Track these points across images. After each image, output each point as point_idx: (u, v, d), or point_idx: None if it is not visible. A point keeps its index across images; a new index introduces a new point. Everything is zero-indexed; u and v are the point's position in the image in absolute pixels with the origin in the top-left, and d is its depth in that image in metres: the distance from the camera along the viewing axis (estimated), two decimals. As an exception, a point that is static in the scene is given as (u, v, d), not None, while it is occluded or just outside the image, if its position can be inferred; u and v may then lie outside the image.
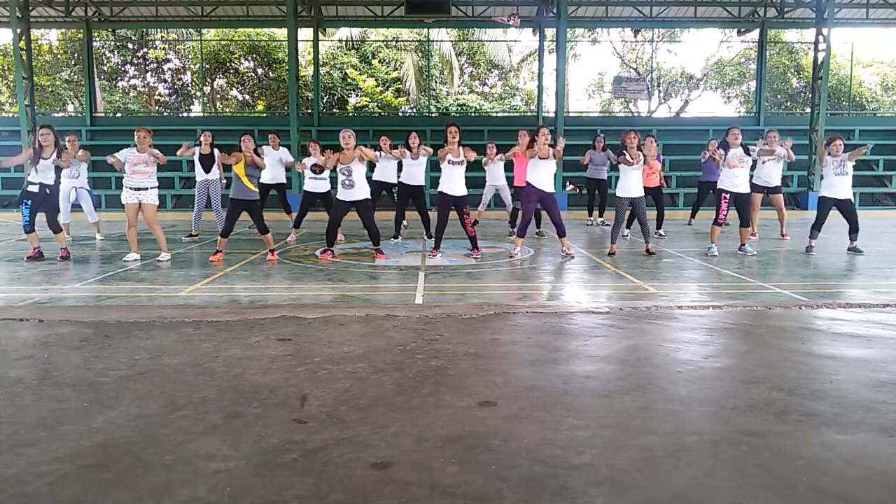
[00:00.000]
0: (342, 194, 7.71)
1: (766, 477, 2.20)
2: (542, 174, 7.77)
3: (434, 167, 8.73)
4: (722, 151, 7.97)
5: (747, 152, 7.95)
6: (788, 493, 2.10)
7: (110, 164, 7.61)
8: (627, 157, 7.96)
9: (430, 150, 8.97)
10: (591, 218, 12.03)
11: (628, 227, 9.92)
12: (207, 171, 9.59)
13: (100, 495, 2.09)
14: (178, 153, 9.43)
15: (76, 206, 9.87)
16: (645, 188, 9.70)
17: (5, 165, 7.85)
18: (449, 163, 7.70)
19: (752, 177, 9.66)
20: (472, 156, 7.77)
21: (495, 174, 10.62)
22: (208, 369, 3.33)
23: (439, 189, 7.82)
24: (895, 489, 2.15)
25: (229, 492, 2.10)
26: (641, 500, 2.06)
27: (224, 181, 9.81)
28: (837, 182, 8.07)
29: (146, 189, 7.55)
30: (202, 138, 9.55)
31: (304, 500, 2.05)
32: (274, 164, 10.16)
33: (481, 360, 3.49)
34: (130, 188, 7.53)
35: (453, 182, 7.74)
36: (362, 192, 7.73)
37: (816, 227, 8.25)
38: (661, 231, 10.10)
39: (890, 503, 2.09)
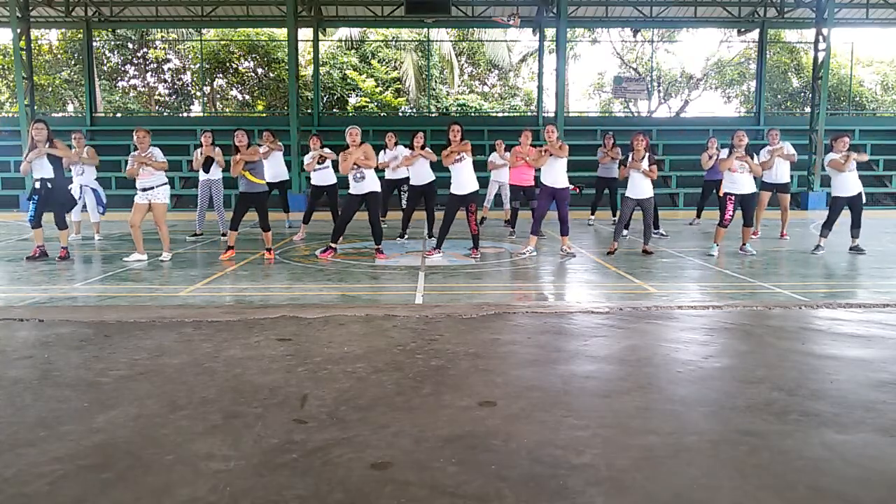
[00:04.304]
0: (353, 188, 7.74)
1: (766, 477, 2.20)
2: (553, 172, 7.79)
3: (438, 166, 8.71)
4: (726, 152, 7.98)
5: (749, 154, 7.93)
6: (788, 493, 2.10)
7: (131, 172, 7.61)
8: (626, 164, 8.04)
9: (432, 154, 8.98)
10: (593, 217, 11.94)
11: (626, 227, 9.92)
12: (207, 170, 9.60)
13: (100, 495, 2.09)
14: (195, 166, 9.62)
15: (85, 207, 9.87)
16: None
17: (26, 167, 7.68)
18: (453, 164, 7.72)
19: (762, 175, 9.67)
20: (466, 149, 7.69)
21: (500, 171, 10.66)
22: (208, 369, 3.33)
23: (450, 190, 7.82)
24: (895, 489, 2.15)
25: (229, 492, 2.10)
26: (641, 500, 2.06)
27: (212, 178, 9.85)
28: (848, 178, 8.01)
29: (152, 188, 7.53)
30: (202, 139, 9.56)
31: (304, 500, 2.05)
32: (275, 162, 10.17)
33: (481, 360, 3.49)
34: (139, 189, 7.56)
35: (462, 181, 7.73)
36: (372, 184, 7.73)
37: (828, 226, 8.18)
38: (661, 230, 10.08)
39: (890, 503, 2.09)
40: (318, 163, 9.19)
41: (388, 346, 3.75)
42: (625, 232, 9.87)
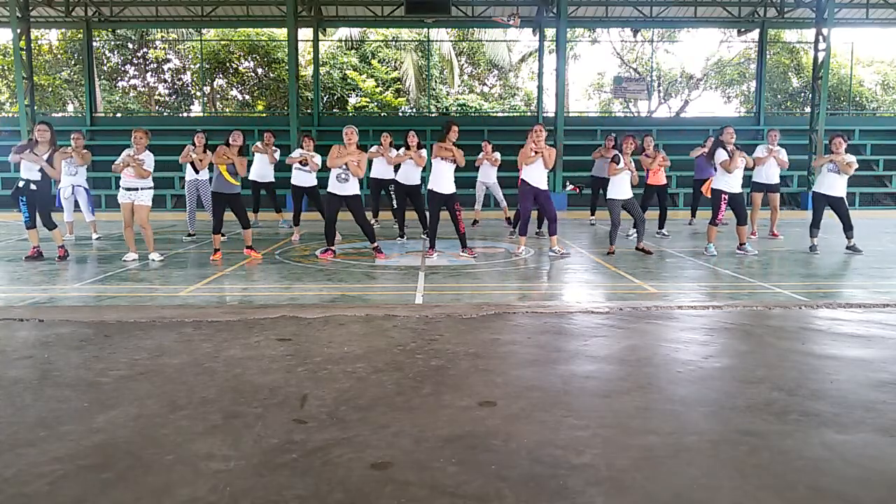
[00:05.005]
0: (336, 188, 7.69)
1: (766, 477, 2.20)
2: (536, 171, 7.81)
3: (428, 168, 8.75)
4: (723, 151, 7.95)
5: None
6: (788, 493, 2.10)
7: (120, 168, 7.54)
8: (618, 163, 8.04)
9: (423, 159, 9.00)
10: (594, 217, 12.00)
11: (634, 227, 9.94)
12: (198, 171, 9.58)
13: (100, 495, 2.09)
14: (181, 160, 9.53)
15: (77, 207, 9.88)
16: (652, 186, 9.74)
17: (15, 160, 7.63)
18: (441, 159, 7.72)
19: (751, 176, 9.70)
20: (460, 161, 7.76)
21: (487, 172, 10.67)
22: (208, 369, 3.33)
23: (429, 187, 7.86)
24: (895, 489, 2.15)
25: (229, 492, 2.10)
26: (641, 500, 2.06)
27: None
28: (830, 179, 8.09)
29: (137, 189, 7.54)
30: (196, 140, 9.54)
31: (304, 500, 2.05)
32: (261, 162, 10.18)
33: (481, 360, 3.49)
34: (124, 188, 7.57)
35: (442, 180, 7.76)
36: (353, 187, 7.74)
37: (815, 224, 8.27)
38: (664, 230, 10.09)
39: (890, 503, 2.09)
40: (301, 163, 9.23)
41: (388, 346, 3.75)
42: (631, 231, 9.89)
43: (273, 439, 2.48)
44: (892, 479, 2.21)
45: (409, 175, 9.23)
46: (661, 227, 10.11)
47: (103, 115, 20.78)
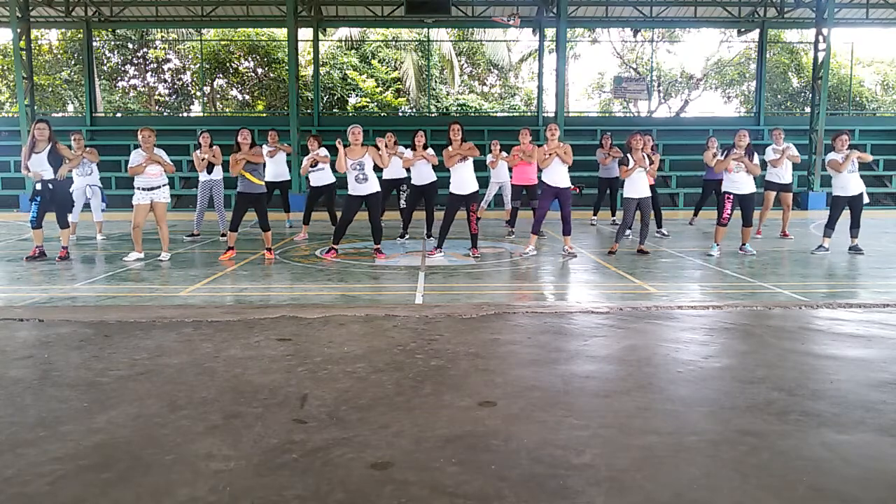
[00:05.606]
0: (354, 189, 7.69)
1: (766, 477, 2.20)
2: (555, 171, 7.83)
3: (439, 166, 8.73)
4: (721, 159, 7.95)
5: (750, 154, 7.89)
6: (788, 493, 2.10)
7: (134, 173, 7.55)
8: (628, 164, 8.02)
9: (434, 157, 8.94)
10: (595, 217, 11.97)
11: (629, 227, 9.93)
12: (210, 171, 9.58)
13: (100, 495, 2.09)
14: (198, 168, 9.53)
15: (85, 206, 9.81)
16: None
17: (29, 173, 7.62)
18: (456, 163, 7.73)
19: (764, 174, 9.68)
20: (472, 154, 7.76)
21: (499, 171, 10.68)
22: (208, 369, 3.33)
23: (450, 190, 7.84)
24: (895, 489, 2.15)
25: (229, 492, 2.10)
26: (641, 500, 2.06)
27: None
28: (849, 179, 7.97)
29: (158, 188, 7.59)
30: (201, 139, 9.53)
31: (304, 500, 2.05)
32: (276, 162, 10.17)
33: (481, 360, 3.49)
34: (143, 189, 7.54)
35: (463, 181, 7.77)
36: (374, 185, 7.75)
37: (830, 225, 8.16)
38: (663, 230, 10.10)
39: (890, 503, 2.09)
40: (311, 166, 9.23)
41: (388, 346, 3.75)
42: (627, 232, 9.89)
43: (273, 439, 2.48)
44: (892, 479, 2.21)
45: (423, 174, 9.19)
46: (659, 226, 10.10)
47: (103, 115, 20.79)
